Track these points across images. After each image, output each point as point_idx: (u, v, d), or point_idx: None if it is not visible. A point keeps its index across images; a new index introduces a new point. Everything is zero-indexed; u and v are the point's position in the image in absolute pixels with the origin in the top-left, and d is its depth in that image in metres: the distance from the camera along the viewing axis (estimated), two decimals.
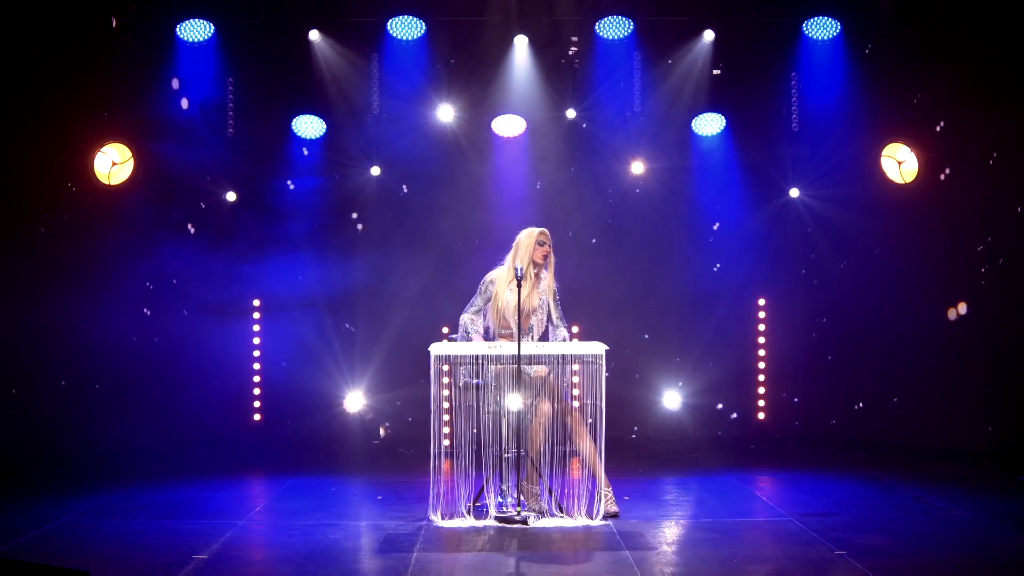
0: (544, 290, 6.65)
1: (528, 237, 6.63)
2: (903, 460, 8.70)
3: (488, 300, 6.66)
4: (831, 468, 8.42)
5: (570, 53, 9.65)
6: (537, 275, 6.63)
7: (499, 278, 6.66)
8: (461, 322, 6.68)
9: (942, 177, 8.74)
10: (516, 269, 6.38)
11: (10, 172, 8.40)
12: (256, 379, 9.91)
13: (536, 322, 6.63)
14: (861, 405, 9.43)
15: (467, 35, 9.56)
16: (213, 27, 9.36)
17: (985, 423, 8.62)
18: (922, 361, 9.05)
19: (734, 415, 9.88)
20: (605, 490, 6.44)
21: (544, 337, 6.67)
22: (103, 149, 9.17)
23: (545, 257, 6.60)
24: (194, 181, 9.53)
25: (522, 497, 6.32)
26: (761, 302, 9.98)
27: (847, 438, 9.47)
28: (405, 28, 9.44)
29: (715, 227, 9.82)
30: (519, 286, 6.36)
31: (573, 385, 6.65)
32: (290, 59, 9.54)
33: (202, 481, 7.86)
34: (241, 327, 9.86)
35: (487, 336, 6.66)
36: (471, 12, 9.43)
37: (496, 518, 6.29)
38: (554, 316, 6.68)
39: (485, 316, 6.69)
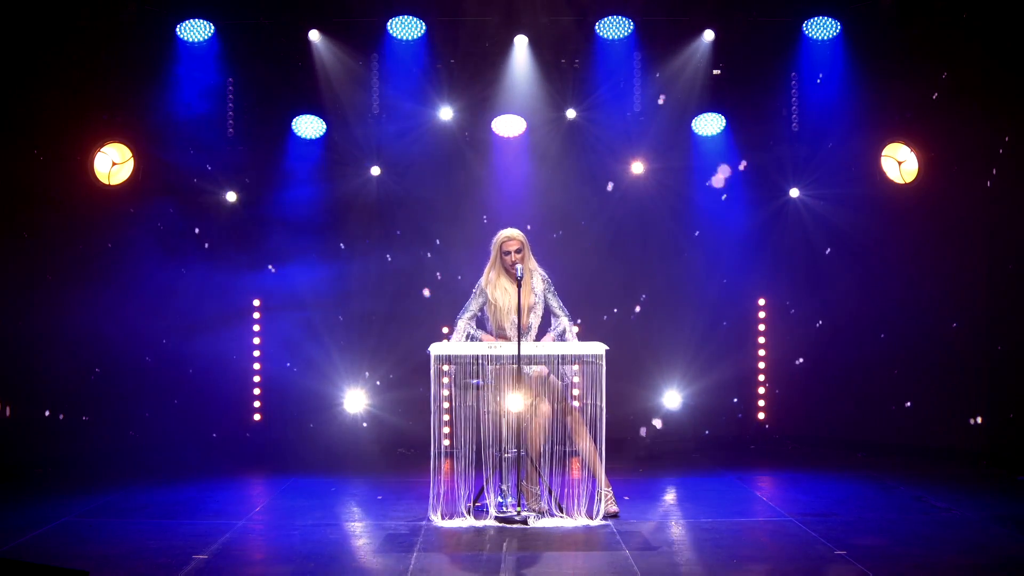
0: (536, 284, 6.63)
1: (495, 247, 6.62)
2: (903, 460, 8.70)
3: (483, 305, 6.66)
4: (831, 468, 8.42)
5: (570, 53, 9.65)
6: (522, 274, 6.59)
7: (487, 281, 6.66)
8: (459, 328, 6.66)
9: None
10: (517, 269, 6.39)
11: (10, 172, 8.40)
12: (256, 379, 9.91)
13: (534, 319, 6.62)
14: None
15: (467, 35, 9.55)
16: (213, 27, 9.36)
17: (985, 423, 8.61)
18: (922, 361, 9.05)
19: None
20: (605, 490, 6.44)
21: (543, 329, 6.66)
22: (103, 149, 9.17)
23: (515, 266, 6.48)
24: (194, 181, 9.53)
25: (522, 497, 6.32)
26: (761, 302, 9.98)
27: (847, 438, 9.47)
28: (405, 28, 9.44)
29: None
30: (519, 287, 6.37)
31: (573, 385, 6.65)
32: (290, 59, 9.54)
33: (202, 481, 7.86)
34: (241, 327, 9.86)
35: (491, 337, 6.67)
36: (471, 12, 9.43)
37: (496, 518, 6.28)
38: (554, 306, 6.67)
39: (483, 320, 6.69)
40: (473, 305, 6.69)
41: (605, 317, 9.68)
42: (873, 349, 9.35)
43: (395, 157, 9.76)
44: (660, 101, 9.52)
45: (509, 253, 6.55)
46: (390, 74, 9.61)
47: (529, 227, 9.49)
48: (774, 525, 6.34)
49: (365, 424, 9.77)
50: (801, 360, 9.73)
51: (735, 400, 9.94)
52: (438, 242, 9.72)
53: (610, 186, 9.72)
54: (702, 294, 9.85)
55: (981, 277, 8.72)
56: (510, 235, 6.59)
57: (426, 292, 9.45)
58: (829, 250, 9.41)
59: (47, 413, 8.69)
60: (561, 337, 6.62)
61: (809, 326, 9.81)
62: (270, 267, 9.74)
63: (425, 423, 6.40)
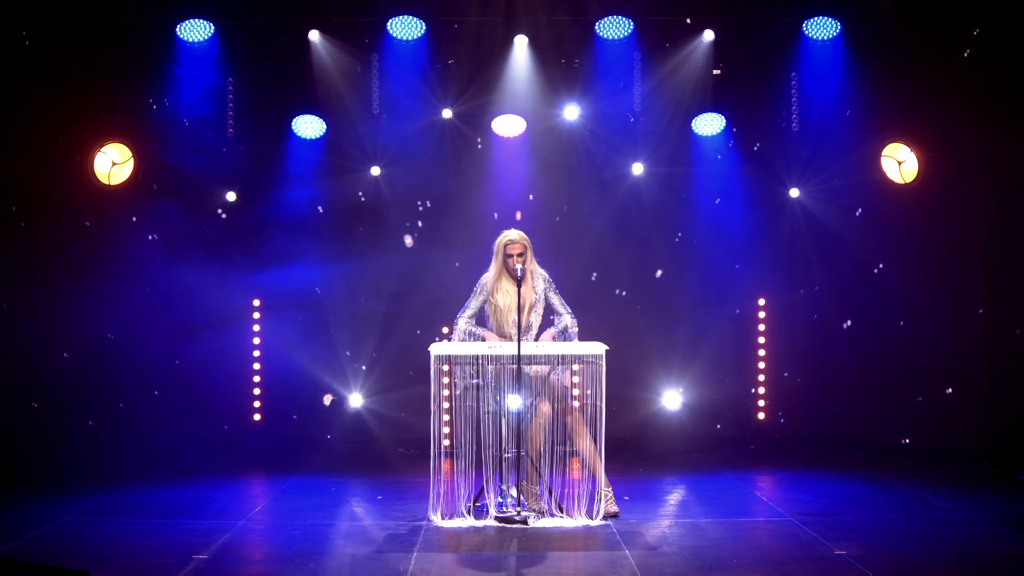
0: (537, 284, 6.64)
1: (497, 249, 6.63)
2: (903, 460, 8.71)
3: (483, 303, 6.67)
4: (831, 468, 8.42)
5: (570, 53, 9.65)
6: (523, 275, 6.58)
7: (489, 281, 6.66)
8: (460, 327, 6.66)
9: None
10: (516, 270, 6.39)
11: (10, 172, 8.40)
12: (256, 379, 9.90)
13: (535, 318, 6.63)
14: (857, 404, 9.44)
15: (467, 35, 9.56)
16: (213, 27, 9.36)
17: (985, 423, 8.62)
18: (922, 361, 9.05)
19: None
20: (605, 490, 6.45)
21: (544, 328, 6.67)
22: (103, 149, 9.17)
23: (515, 267, 6.49)
24: (194, 181, 9.52)
25: (522, 497, 6.32)
26: (761, 302, 9.98)
27: (847, 438, 9.47)
28: (405, 28, 9.44)
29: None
30: (519, 287, 6.37)
31: (573, 385, 6.65)
32: (290, 59, 9.54)
33: (202, 481, 7.86)
34: (241, 327, 9.85)
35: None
36: (471, 12, 9.43)
37: (496, 518, 6.29)
38: (556, 304, 6.67)
39: (485, 319, 6.69)
40: (473, 304, 6.69)
41: (604, 318, 9.66)
42: (873, 349, 9.35)
43: (395, 157, 9.77)
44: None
45: (512, 256, 6.55)
46: (390, 74, 9.61)
47: (527, 206, 9.53)
48: (774, 525, 6.34)
49: (366, 424, 9.76)
50: (800, 364, 9.75)
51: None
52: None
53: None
54: (702, 294, 9.84)
55: (980, 277, 8.72)
56: (513, 237, 6.60)
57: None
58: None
59: (48, 412, 8.68)
60: (563, 334, 6.62)
61: (809, 325, 9.80)
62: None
63: (425, 423, 6.40)
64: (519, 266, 6.43)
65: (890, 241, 9.25)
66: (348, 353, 9.77)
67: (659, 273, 9.70)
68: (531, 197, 9.71)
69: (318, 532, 6.15)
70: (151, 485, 7.67)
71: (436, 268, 9.70)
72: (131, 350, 9.23)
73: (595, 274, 9.77)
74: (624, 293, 9.80)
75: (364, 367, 9.78)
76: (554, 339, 6.57)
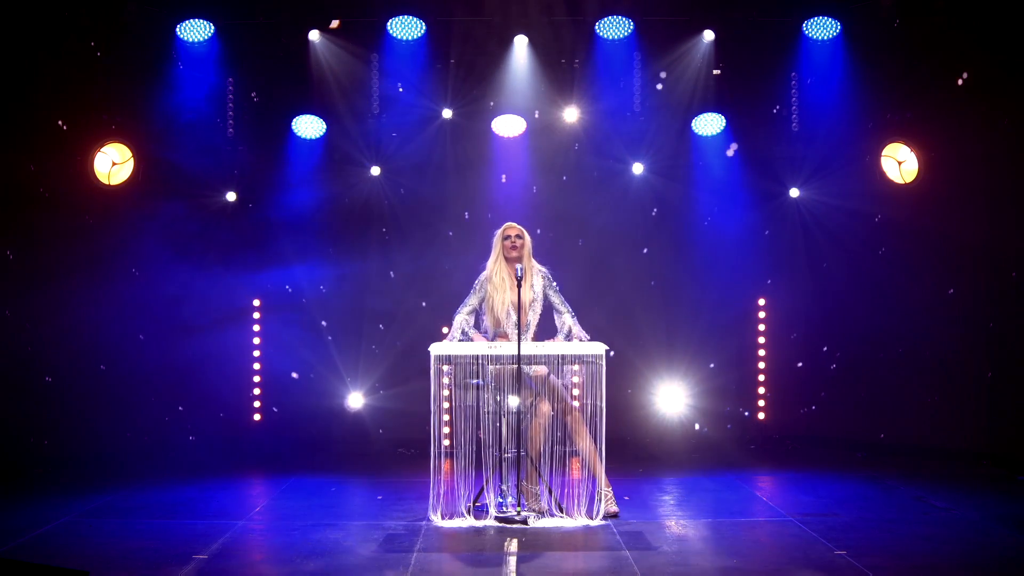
0: (535, 282, 6.65)
1: (497, 237, 6.73)
2: (903, 460, 8.71)
3: (482, 299, 6.68)
4: (831, 468, 8.43)
5: (570, 53, 9.65)
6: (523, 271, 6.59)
7: (487, 271, 6.69)
8: (456, 323, 6.68)
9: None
10: (517, 268, 6.41)
11: (10, 172, 8.40)
12: (256, 379, 9.90)
13: (532, 317, 6.63)
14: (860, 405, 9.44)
15: (467, 35, 9.56)
16: (213, 27, 9.36)
17: (985, 423, 8.62)
18: (922, 361, 9.05)
19: (746, 413, 9.89)
20: (605, 490, 6.45)
21: (543, 327, 6.67)
22: (103, 149, 9.17)
23: (515, 248, 6.62)
24: (194, 181, 9.52)
25: (522, 497, 6.32)
26: (761, 302, 9.98)
27: (847, 438, 9.47)
28: (405, 28, 9.44)
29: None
30: (519, 286, 6.38)
31: (573, 385, 6.65)
32: (290, 59, 9.54)
33: (202, 481, 7.86)
34: (241, 327, 9.85)
35: (485, 336, 6.67)
36: (471, 12, 9.43)
37: (496, 518, 6.29)
38: (556, 302, 6.69)
39: (481, 316, 6.71)
40: (472, 300, 6.71)
41: (604, 318, 9.67)
42: (873, 349, 9.35)
43: (395, 157, 9.77)
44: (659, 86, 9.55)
45: (509, 238, 6.64)
46: (390, 74, 9.62)
47: (539, 232, 9.53)
48: (774, 525, 6.34)
49: (365, 424, 9.76)
50: (800, 364, 9.76)
51: (734, 400, 9.92)
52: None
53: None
54: (702, 294, 9.84)
55: (981, 277, 8.72)
56: (510, 223, 6.74)
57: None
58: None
59: (48, 412, 8.69)
60: (567, 338, 6.63)
61: (809, 326, 9.80)
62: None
63: (425, 423, 6.40)
64: (519, 265, 6.44)
65: (890, 241, 9.25)
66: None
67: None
68: (534, 189, 9.72)
69: (318, 532, 6.15)
70: (151, 485, 7.67)
71: (435, 267, 9.70)
72: (131, 350, 9.23)
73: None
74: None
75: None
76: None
